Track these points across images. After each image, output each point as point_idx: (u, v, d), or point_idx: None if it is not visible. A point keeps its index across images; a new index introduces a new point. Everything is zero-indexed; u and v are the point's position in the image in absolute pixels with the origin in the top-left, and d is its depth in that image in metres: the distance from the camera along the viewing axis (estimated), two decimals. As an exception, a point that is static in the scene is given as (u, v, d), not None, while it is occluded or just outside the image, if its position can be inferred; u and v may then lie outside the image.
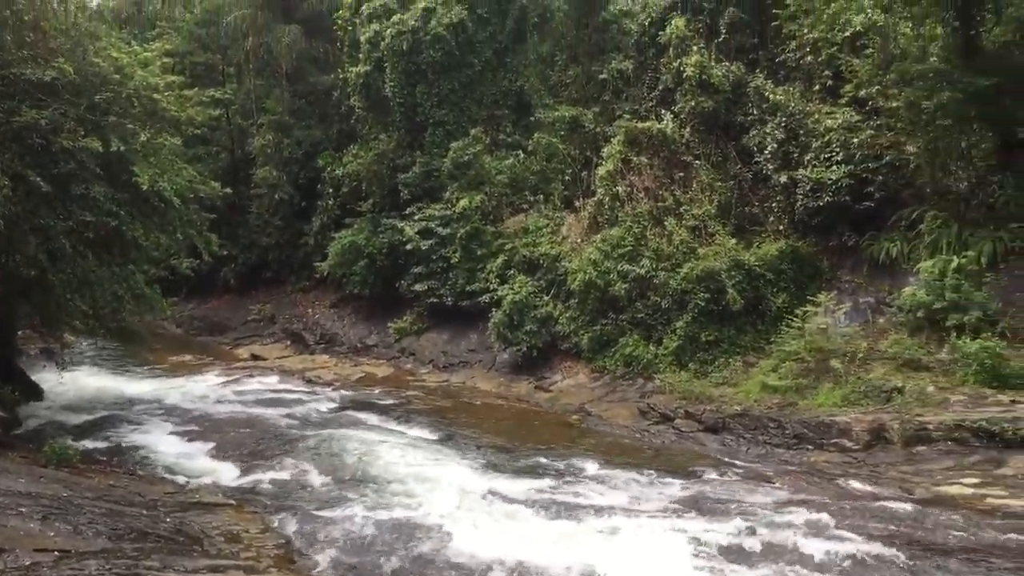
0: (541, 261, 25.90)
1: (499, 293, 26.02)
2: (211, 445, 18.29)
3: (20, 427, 18.96)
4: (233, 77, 46.04)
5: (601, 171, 25.26)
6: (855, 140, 20.39)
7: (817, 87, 22.57)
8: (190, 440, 18.87)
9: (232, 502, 13.82)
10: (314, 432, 18.92)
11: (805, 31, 22.25)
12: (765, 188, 23.19)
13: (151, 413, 21.65)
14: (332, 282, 34.68)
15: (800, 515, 12.02)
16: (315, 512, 13.24)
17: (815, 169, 20.78)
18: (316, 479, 15.41)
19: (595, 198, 25.34)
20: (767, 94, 22.90)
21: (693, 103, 24.41)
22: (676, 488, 14.37)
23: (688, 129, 24.74)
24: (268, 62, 40.88)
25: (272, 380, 26.60)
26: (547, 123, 29.56)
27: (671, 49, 25.76)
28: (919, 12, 18.85)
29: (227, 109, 42.31)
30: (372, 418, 20.84)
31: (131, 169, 17.98)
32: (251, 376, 27.34)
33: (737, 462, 16.03)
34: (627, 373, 22.49)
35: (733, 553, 10.87)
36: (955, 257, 17.68)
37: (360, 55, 32.79)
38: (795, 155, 21.75)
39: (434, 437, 18.93)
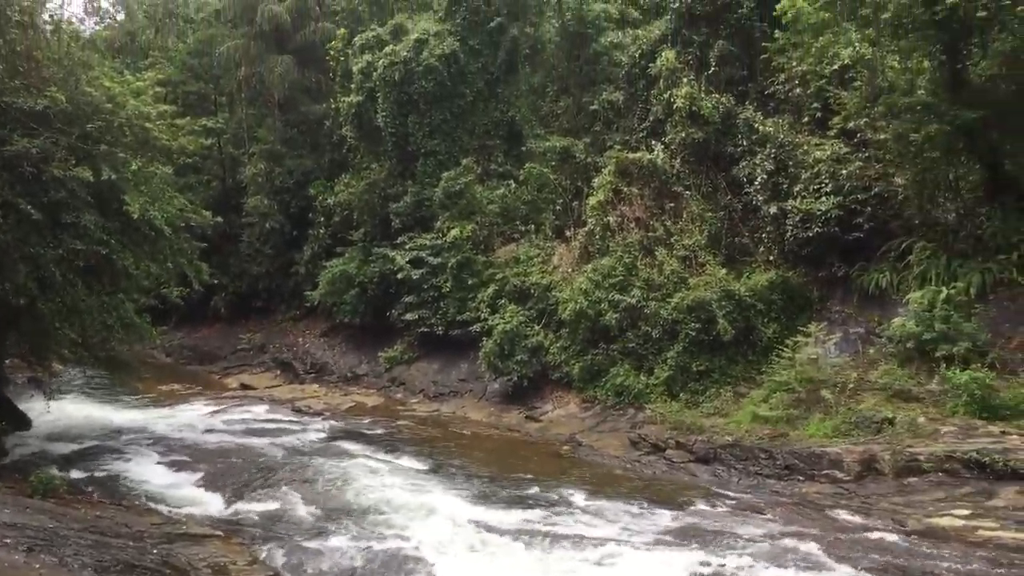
0: (532, 291, 25.91)
1: (490, 322, 25.99)
2: (199, 475, 18.16)
3: (6, 457, 18.82)
4: (225, 106, 46.28)
5: (592, 201, 25.35)
6: (844, 171, 20.52)
7: (806, 119, 22.75)
8: (178, 470, 18.74)
9: (219, 533, 13.70)
10: (303, 462, 18.79)
11: (794, 64, 22.47)
12: (755, 219, 23.29)
13: (139, 443, 21.50)
14: (323, 311, 34.62)
15: (792, 547, 11.97)
16: (303, 543, 13.13)
17: (804, 200, 20.89)
18: (304, 509, 15.29)
19: (586, 228, 25.41)
20: (756, 126, 23.07)
21: (683, 134, 24.57)
22: (667, 519, 14.32)
23: (678, 160, 24.88)
24: (260, 92, 41.10)
25: (261, 409, 26.45)
26: (538, 153, 29.72)
27: (661, 81, 25.96)
28: (906, 46, 19.04)
29: (219, 138, 42.50)
30: (361, 448, 20.71)
31: (122, 198, 17.96)
32: (240, 405, 27.18)
33: (728, 493, 15.97)
34: (618, 403, 22.42)
35: (725, 585, 10.81)
36: (944, 288, 17.75)
37: (352, 85, 32.97)
38: (784, 186, 21.86)
39: (424, 467, 18.82)
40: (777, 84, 23.64)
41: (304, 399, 28.45)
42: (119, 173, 18.00)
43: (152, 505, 15.85)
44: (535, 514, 14.75)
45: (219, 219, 23.17)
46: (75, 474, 17.85)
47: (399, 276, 29.37)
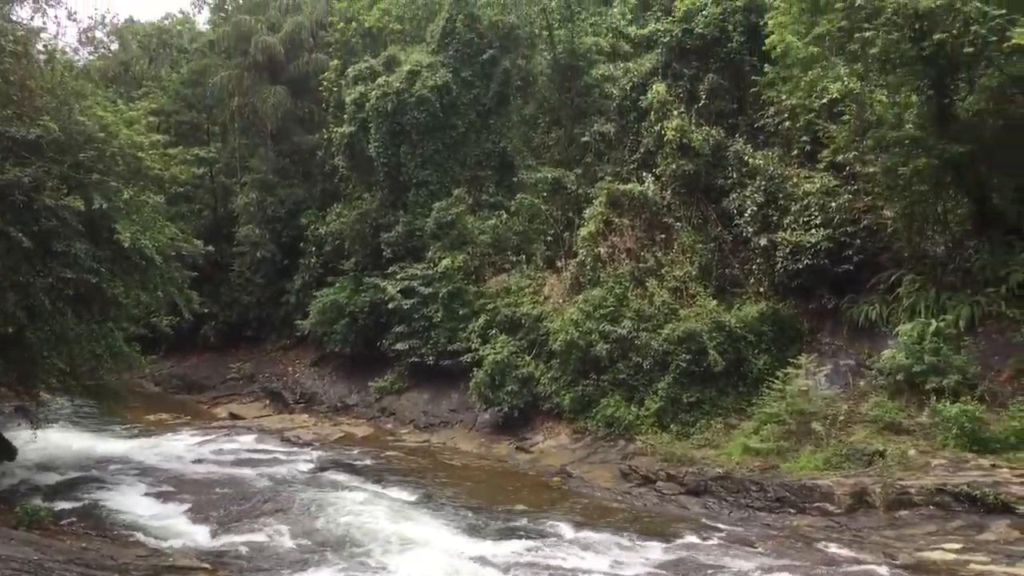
0: (523, 321, 25.89)
1: (481, 352, 25.93)
2: (186, 506, 18.01)
3: (-9, 487, 18.63)
4: (218, 136, 46.43)
5: (583, 232, 25.43)
6: (833, 204, 20.68)
7: (795, 152, 22.96)
8: (165, 501, 18.57)
9: (206, 566, 13.57)
10: (291, 493, 18.66)
11: (783, 97, 22.70)
12: (745, 250, 23.40)
13: (126, 473, 21.32)
14: (313, 340, 34.52)
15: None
16: (290, 576, 13.01)
17: (794, 232, 21.01)
18: (291, 542, 15.17)
19: (577, 259, 25.45)
20: (747, 158, 23.24)
21: (674, 166, 24.72)
22: (658, 552, 14.25)
23: (669, 191, 25.01)
24: (253, 122, 41.25)
25: (250, 439, 26.29)
26: (530, 184, 29.83)
27: (652, 113, 26.17)
28: (894, 81, 19.26)
29: (211, 167, 42.57)
30: (350, 479, 20.59)
31: (113, 226, 17.96)
32: (229, 435, 27.00)
33: (719, 525, 15.91)
34: (609, 434, 22.34)
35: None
36: (933, 321, 17.85)
37: (345, 116, 33.14)
38: (774, 218, 22.00)
39: (413, 498, 18.70)
40: (767, 117, 23.87)
41: (293, 429, 28.27)
42: (111, 202, 18.01)
43: (138, 537, 15.69)
44: (524, 546, 14.66)
45: (210, 248, 23.19)
46: (61, 505, 17.66)
47: (390, 306, 29.33)
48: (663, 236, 24.56)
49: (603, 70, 31.11)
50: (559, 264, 27.09)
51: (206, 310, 29.60)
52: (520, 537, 15.31)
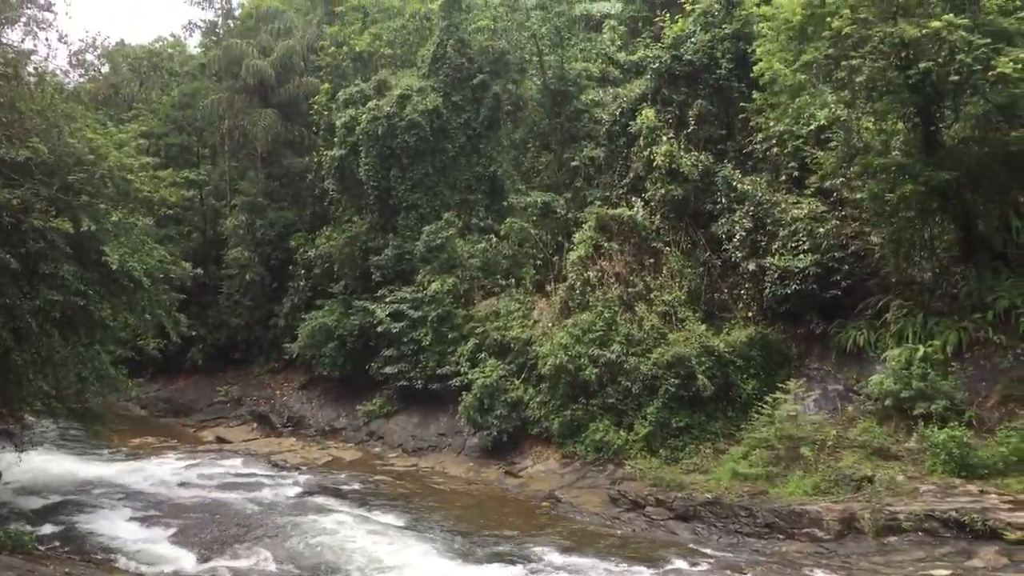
0: (512, 345, 25.86)
1: (470, 376, 25.87)
2: (172, 531, 17.87)
3: (-26, 511, 18.44)
4: (208, 158, 46.48)
5: (572, 256, 25.46)
6: (821, 230, 20.81)
7: (783, 177, 23.11)
8: (150, 526, 18.43)
9: (191, 591, 13.44)
10: (278, 518, 18.53)
11: (771, 124, 22.86)
12: (734, 275, 23.48)
13: (111, 497, 21.16)
14: (301, 364, 34.39)
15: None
16: (276, 602, 12.90)
17: (782, 257, 21.11)
18: (277, 567, 15.08)
19: (566, 283, 25.47)
20: (735, 183, 23.38)
21: (663, 191, 24.84)
22: (646, 578, 14.17)
23: (658, 216, 25.11)
24: (243, 144, 41.30)
25: (236, 463, 26.12)
26: (519, 208, 29.90)
27: (641, 138, 26.30)
28: (881, 108, 19.43)
29: (201, 190, 42.59)
30: (338, 504, 20.46)
31: (101, 248, 17.89)
32: (215, 459, 26.83)
33: (708, 551, 15.86)
34: (598, 459, 22.28)
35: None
36: (921, 346, 17.93)
37: (335, 139, 33.19)
38: (763, 243, 22.11)
39: (401, 523, 18.60)
40: (755, 143, 24.04)
41: (281, 453, 28.12)
42: (99, 224, 17.95)
43: (122, 562, 15.57)
44: (512, 571, 14.61)
45: (199, 271, 23.11)
46: (45, 529, 17.53)
47: (379, 329, 29.27)
48: (652, 261, 24.63)
49: (593, 95, 31.31)
50: (548, 288, 27.11)
51: (194, 333, 29.49)
52: (507, 562, 15.24)
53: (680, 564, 14.95)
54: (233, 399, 36.77)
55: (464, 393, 25.50)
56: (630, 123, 27.39)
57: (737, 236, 22.79)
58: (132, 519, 19.04)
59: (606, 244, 25.02)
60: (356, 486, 22.97)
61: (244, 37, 42.61)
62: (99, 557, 15.70)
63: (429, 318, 28.09)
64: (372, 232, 32.27)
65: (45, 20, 19.70)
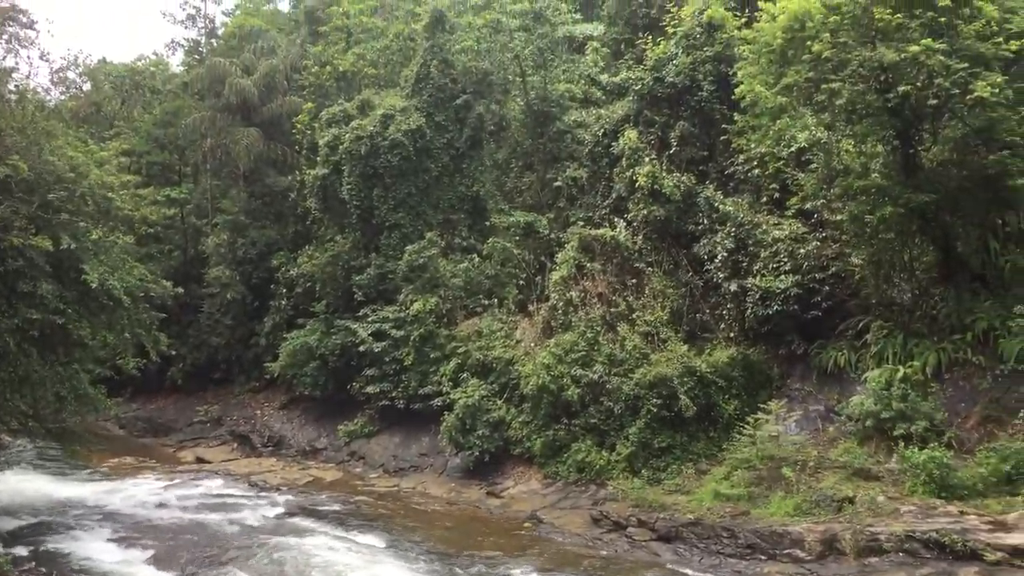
0: (494, 365, 25.82)
1: (452, 396, 25.79)
2: (149, 552, 17.69)
3: (-53, 533, 18.19)
4: (190, 177, 46.29)
5: (555, 276, 25.51)
6: (802, 251, 20.94)
7: (765, 199, 23.27)
8: (128, 547, 18.24)
9: (169, 614, 13.29)
10: (257, 539, 18.37)
11: (752, 146, 23.03)
12: (716, 296, 23.57)
13: (89, 518, 20.91)
14: (283, 383, 34.17)
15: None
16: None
17: (764, 278, 21.21)
18: (258, 590, 14.90)
19: (549, 303, 25.50)
20: (717, 204, 23.51)
21: (645, 211, 24.95)
22: (629, 600, 14.11)
23: (640, 237, 25.21)
24: (225, 163, 41.17)
25: (216, 484, 25.88)
26: (502, 228, 29.94)
27: (624, 159, 26.43)
28: (861, 131, 19.61)
29: (182, 208, 42.42)
30: (318, 525, 20.31)
31: (81, 267, 17.80)
32: (195, 480, 26.58)
33: (689, 572, 15.84)
34: (580, 479, 22.24)
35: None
36: (901, 367, 18.01)
37: (318, 158, 33.16)
38: (744, 264, 22.22)
39: (381, 544, 18.49)
40: (736, 164, 24.21)
41: (261, 473, 27.90)
42: (79, 242, 17.89)
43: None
44: (495, 594, 14.49)
45: (179, 289, 23.00)
46: (20, 551, 17.30)
47: (361, 348, 29.16)
48: (634, 281, 24.70)
49: (575, 116, 31.48)
50: (531, 308, 27.13)
51: (174, 352, 29.32)
52: (490, 584, 15.14)
53: (662, 586, 14.90)
54: (213, 419, 36.47)
55: (446, 413, 25.41)
56: (613, 144, 27.54)
57: (719, 257, 22.89)
58: (109, 540, 18.83)
59: (589, 264, 25.08)
60: (336, 507, 22.81)
61: (227, 56, 42.60)
62: (75, 580, 15.51)
63: (411, 338, 28.02)
64: (354, 251, 32.21)
65: (27, 38, 19.71)
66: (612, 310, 24.07)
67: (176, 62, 53.89)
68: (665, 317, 23.63)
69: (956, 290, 18.61)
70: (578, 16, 35.02)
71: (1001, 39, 16.74)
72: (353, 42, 40.71)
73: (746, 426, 19.76)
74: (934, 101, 17.03)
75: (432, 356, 27.74)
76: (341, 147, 31.40)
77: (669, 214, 24.76)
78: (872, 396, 17.76)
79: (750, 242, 22.20)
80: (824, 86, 18.32)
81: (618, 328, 23.59)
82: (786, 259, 21.09)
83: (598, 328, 23.70)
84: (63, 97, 45.60)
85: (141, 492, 24.31)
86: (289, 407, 34.34)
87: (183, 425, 37.16)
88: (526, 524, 20.55)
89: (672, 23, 27.01)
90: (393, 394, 28.38)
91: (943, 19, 16.85)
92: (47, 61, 30.66)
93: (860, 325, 19.87)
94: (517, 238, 29.43)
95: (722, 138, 24.66)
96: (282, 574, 15.68)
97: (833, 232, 21.18)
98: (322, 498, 24.07)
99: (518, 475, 24.06)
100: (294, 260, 35.53)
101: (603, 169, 28.45)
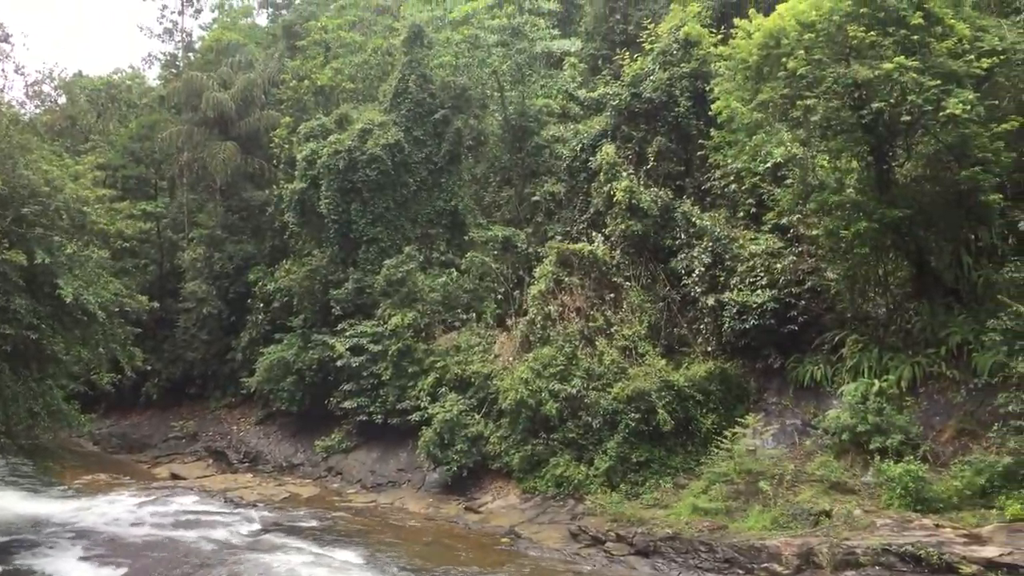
0: (472, 379, 25.78)
1: (430, 411, 25.71)
2: (123, 570, 17.45)
3: (-85, 552, 17.89)
4: (166, 191, 46.11)
5: (533, 290, 25.54)
6: (778, 265, 21.09)
7: (741, 214, 23.44)
8: (101, 565, 17.97)
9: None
10: (233, 556, 18.16)
11: (729, 161, 23.21)
12: (693, 310, 23.67)
13: (62, 536, 20.58)
14: (259, 398, 33.97)
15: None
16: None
17: (741, 292, 21.34)
18: (234, 607, 14.75)
19: (527, 317, 25.51)
20: (694, 219, 23.64)
21: (623, 226, 25.04)
22: (607, 615, 14.08)
23: (618, 251, 25.30)
24: (202, 177, 41.05)
25: (191, 501, 25.55)
26: (480, 242, 29.97)
27: (601, 174, 26.54)
28: (835, 146, 19.81)
29: (158, 222, 42.20)
30: (295, 541, 20.11)
31: (55, 281, 17.67)
32: (170, 496, 26.25)
33: (668, 587, 15.82)
34: (558, 494, 22.20)
35: None
36: (876, 381, 18.14)
37: (296, 172, 33.10)
38: (721, 278, 22.34)
39: (359, 560, 18.33)
40: (713, 180, 24.40)
41: (237, 489, 27.63)
42: (53, 256, 17.76)
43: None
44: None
45: (155, 304, 22.86)
46: (-11, 570, 17.03)
47: (338, 363, 29.03)
48: (612, 295, 24.77)
49: (553, 131, 31.63)
50: (509, 322, 27.13)
51: (149, 367, 29.11)
52: (468, 600, 15.06)
53: (641, 600, 14.88)
54: (189, 435, 36.17)
55: (424, 428, 25.32)
56: (590, 159, 27.66)
57: (696, 271, 23.01)
58: (83, 559, 18.55)
59: (567, 279, 25.13)
60: (313, 523, 22.62)
61: (204, 70, 42.51)
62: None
63: (389, 352, 27.93)
64: (332, 265, 32.10)
65: (2, 51, 19.57)
66: (590, 324, 24.12)
67: (153, 76, 53.91)
68: (643, 331, 23.70)
69: (930, 304, 18.78)
70: (556, 32, 35.19)
71: (972, 57, 17.00)
72: (331, 56, 40.78)
73: (724, 440, 19.82)
74: (907, 117, 17.26)
75: (410, 371, 27.66)
76: (319, 161, 31.35)
77: (647, 229, 24.87)
78: (848, 410, 17.87)
79: (727, 257, 22.34)
80: (799, 102, 18.53)
81: (596, 342, 23.64)
82: (762, 274, 21.24)
83: (576, 342, 23.74)
84: (38, 111, 45.48)
85: (115, 509, 23.96)
86: (266, 422, 34.11)
87: (158, 441, 36.80)
88: (504, 539, 20.47)
89: (649, 39, 27.26)
90: (371, 409, 28.25)
91: (916, 37, 17.10)
92: (22, 74, 30.56)
93: (836, 339, 20.01)
94: (495, 252, 29.46)
95: (699, 153, 24.85)
96: (258, 591, 15.54)
97: (809, 247, 21.35)
98: (299, 514, 23.87)
99: (496, 490, 23.99)
100: (271, 274, 35.40)
101: (581, 184, 28.57)
